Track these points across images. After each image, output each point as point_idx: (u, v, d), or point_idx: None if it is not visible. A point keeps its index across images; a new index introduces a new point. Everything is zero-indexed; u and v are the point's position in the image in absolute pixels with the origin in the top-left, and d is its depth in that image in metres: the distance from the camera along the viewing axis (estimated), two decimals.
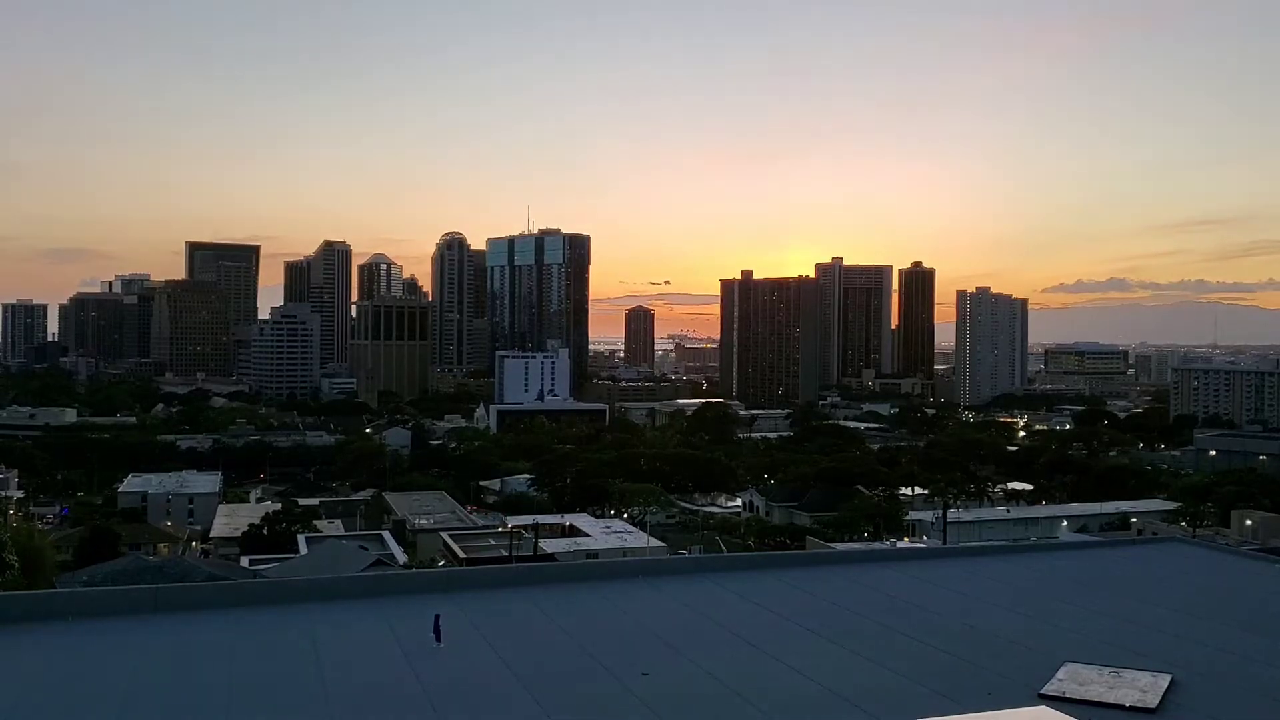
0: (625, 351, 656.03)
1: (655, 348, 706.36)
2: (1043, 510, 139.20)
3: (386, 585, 20.67)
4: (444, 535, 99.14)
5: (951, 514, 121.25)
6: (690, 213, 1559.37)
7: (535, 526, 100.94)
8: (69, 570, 70.69)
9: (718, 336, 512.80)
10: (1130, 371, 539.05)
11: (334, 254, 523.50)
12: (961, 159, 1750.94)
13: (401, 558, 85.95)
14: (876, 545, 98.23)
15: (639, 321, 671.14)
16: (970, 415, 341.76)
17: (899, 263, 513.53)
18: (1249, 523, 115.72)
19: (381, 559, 75.36)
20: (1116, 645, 15.66)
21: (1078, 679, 13.65)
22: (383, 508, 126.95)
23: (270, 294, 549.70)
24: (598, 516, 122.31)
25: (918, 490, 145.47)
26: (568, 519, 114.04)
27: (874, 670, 14.59)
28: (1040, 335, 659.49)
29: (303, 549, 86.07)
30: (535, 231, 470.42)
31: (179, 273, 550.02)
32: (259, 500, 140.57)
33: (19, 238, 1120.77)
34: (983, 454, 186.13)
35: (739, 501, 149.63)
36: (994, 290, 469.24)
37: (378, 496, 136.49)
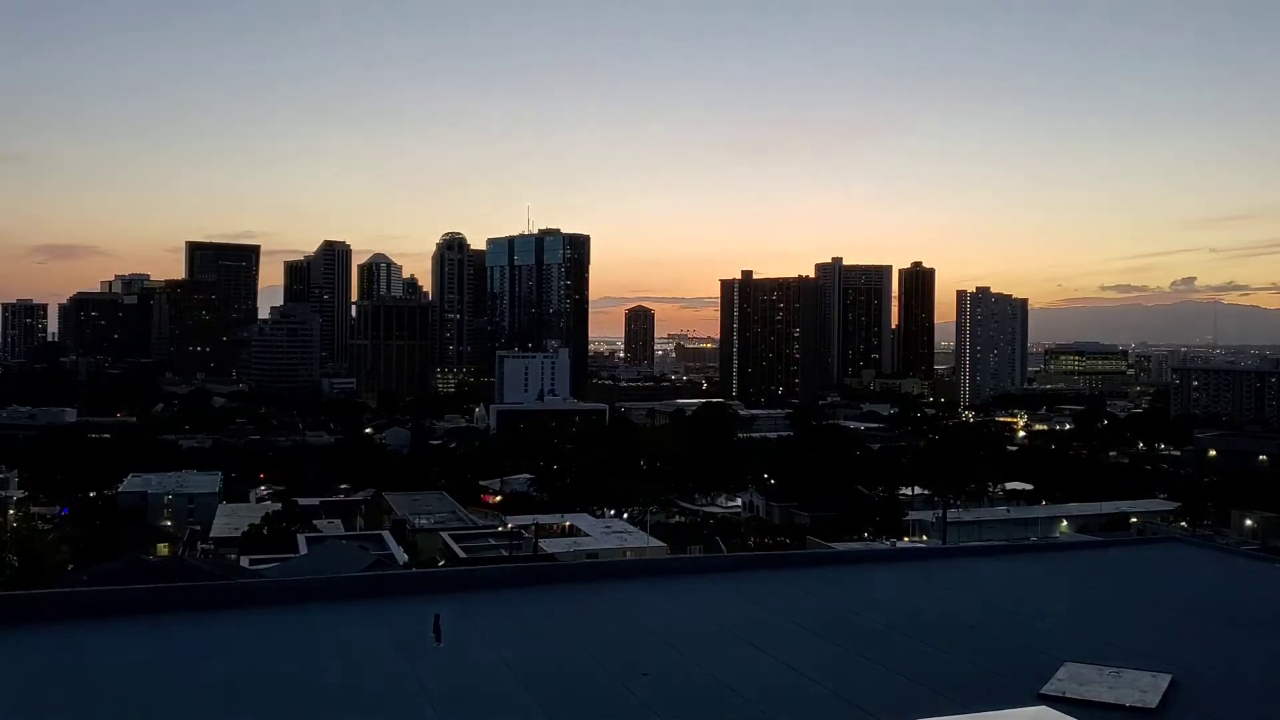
0: (625, 351, 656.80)
1: (655, 348, 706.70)
2: (1043, 510, 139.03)
3: (386, 585, 20.63)
4: (444, 535, 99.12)
5: (951, 514, 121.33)
6: (690, 213, 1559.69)
7: (535, 526, 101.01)
8: (69, 570, 70.68)
9: (718, 336, 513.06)
10: (1130, 371, 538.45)
11: (334, 254, 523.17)
12: (962, 158, 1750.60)
13: (401, 558, 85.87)
14: (876, 545, 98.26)
15: (639, 321, 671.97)
16: (970, 415, 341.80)
17: (899, 263, 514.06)
18: (1249, 523, 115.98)
19: (381, 559, 75.25)
20: (1116, 645, 15.65)
21: (1078, 679, 13.65)
22: (383, 508, 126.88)
23: (270, 294, 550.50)
24: (598, 516, 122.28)
25: (918, 490, 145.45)
26: (567, 519, 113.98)
27: (874, 670, 14.59)
28: (1040, 335, 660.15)
29: (303, 549, 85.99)
30: (535, 231, 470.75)
31: (179, 272, 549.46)
32: (259, 500, 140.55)
33: (15, 234, 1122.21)
34: (983, 454, 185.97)
35: (739, 501, 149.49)
36: (994, 290, 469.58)
37: (378, 496, 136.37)
